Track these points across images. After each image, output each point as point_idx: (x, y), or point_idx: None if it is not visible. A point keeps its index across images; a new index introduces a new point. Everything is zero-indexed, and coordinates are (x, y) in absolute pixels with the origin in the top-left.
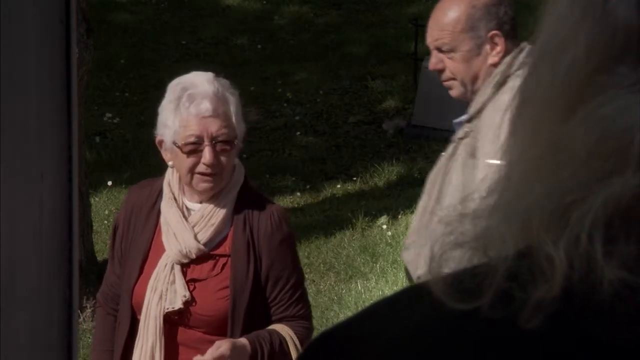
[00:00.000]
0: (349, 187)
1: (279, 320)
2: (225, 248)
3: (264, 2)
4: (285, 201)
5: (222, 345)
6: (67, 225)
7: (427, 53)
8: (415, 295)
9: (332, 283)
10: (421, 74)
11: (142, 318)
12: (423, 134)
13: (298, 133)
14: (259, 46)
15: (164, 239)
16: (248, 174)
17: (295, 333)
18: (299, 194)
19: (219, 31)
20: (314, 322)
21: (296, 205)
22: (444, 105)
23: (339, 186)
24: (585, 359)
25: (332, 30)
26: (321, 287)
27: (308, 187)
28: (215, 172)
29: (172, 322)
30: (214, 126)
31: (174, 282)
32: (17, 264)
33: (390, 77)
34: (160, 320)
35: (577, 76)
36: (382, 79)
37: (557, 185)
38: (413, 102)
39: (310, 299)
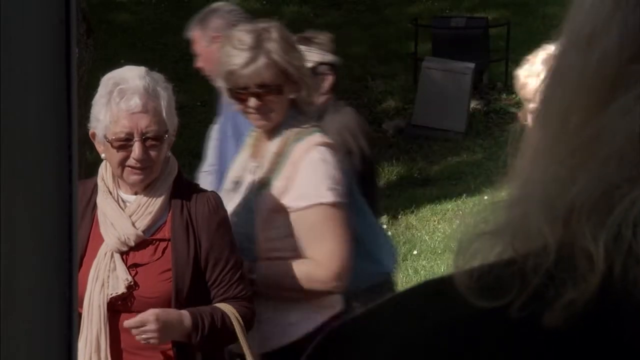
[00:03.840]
0: None
1: (221, 302)
2: (164, 233)
3: (264, 2)
4: None
5: (148, 311)
6: (67, 225)
7: (427, 53)
8: (434, 290)
9: None
10: (421, 74)
11: (84, 310)
12: (423, 134)
13: None
14: None
15: (101, 229)
16: None
17: (238, 311)
18: None
19: None
20: None
21: None
22: (444, 105)
23: None
24: None
25: (332, 30)
26: None
27: None
28: (145, 166)
29: (116, 309)
30: (143, 122)
31: (114, 269)
32: (17, 264)
33: (390, 77)
34: (104, 308)
35: (611, 65)
36: (382, 79)
37: (600, 177)
38: (413, 102)
39: None
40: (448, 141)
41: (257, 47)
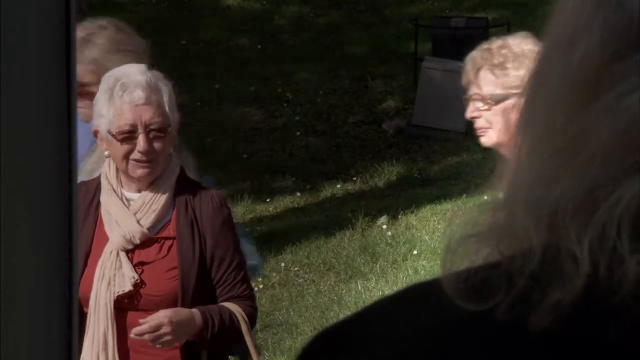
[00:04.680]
0: (349, 187)
1: (226, 300)
2: (169, 231)
3: (264, 2)
4: (285, 201)
5: (159, 313)
6: (67, 225)
7: (427, 53)
8: (422, 293)
9: (332, 283)
10: (421, 74)
11: (90, 308)
12: (423, 134)
13: (298, 133)
14: (259, 46)
15: (106, 228)
16: (248, 174)
17: (243, 310)
18: (299, 194)
19: (219, 31)
20: (314, 322)
21: (296, 205)
22: (444, 105)
23: (339, 186)
24: None
25: (332, 30)
26: (321, 287)
27: (308, 187)
28: (151, 158)
29: (122, 307)
30: (147, 114)
31: (121, 267)
32: (17, 264)
33: (390, 77)
34: (110, 306)
35: (593, 65)
36: (382, 79)
37: (585, 176)
38: (413, 102)
39: (310, 299)
40: (448, 141)
41: (79, 44)
